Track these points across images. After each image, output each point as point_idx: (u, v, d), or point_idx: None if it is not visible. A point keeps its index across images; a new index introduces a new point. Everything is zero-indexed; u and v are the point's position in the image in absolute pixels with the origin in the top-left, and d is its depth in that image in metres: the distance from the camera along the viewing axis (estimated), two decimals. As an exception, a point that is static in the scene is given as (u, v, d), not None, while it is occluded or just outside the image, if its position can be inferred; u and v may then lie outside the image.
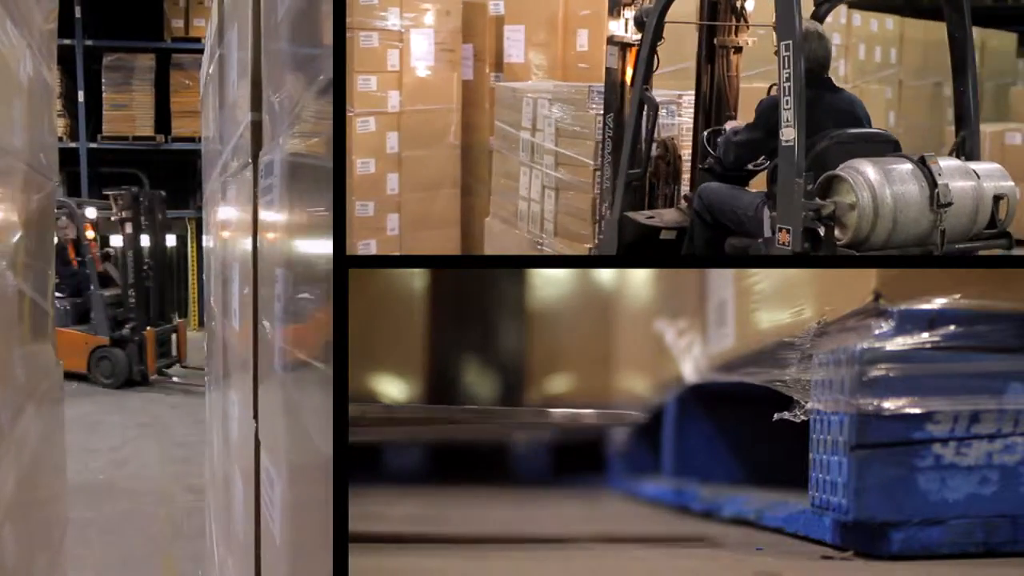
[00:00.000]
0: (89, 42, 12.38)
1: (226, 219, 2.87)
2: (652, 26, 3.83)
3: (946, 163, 3.08)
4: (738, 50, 4.18)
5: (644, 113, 3.97)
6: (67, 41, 11.79)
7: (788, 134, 2.99)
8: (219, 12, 2.97)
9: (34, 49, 2.35)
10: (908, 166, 3.02)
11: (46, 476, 2.60)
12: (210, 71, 3.70)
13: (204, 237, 5.05)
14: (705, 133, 4.09)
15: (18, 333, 2.09)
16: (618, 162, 4.07)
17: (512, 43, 6.02)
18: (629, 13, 4.08)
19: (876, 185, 2.94)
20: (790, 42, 2.98)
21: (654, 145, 4.14)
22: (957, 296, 1.90)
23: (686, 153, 4.37)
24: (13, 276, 2.01)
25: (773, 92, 3.96)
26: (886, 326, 1.89)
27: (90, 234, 10.34)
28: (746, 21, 4.15)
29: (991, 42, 9.67)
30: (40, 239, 2.55)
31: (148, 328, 9.98)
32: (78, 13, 12.13)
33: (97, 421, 8.58)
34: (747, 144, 3.66)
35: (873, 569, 1.86)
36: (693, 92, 4.34)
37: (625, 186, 3.98)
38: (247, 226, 2.07)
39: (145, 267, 10.20)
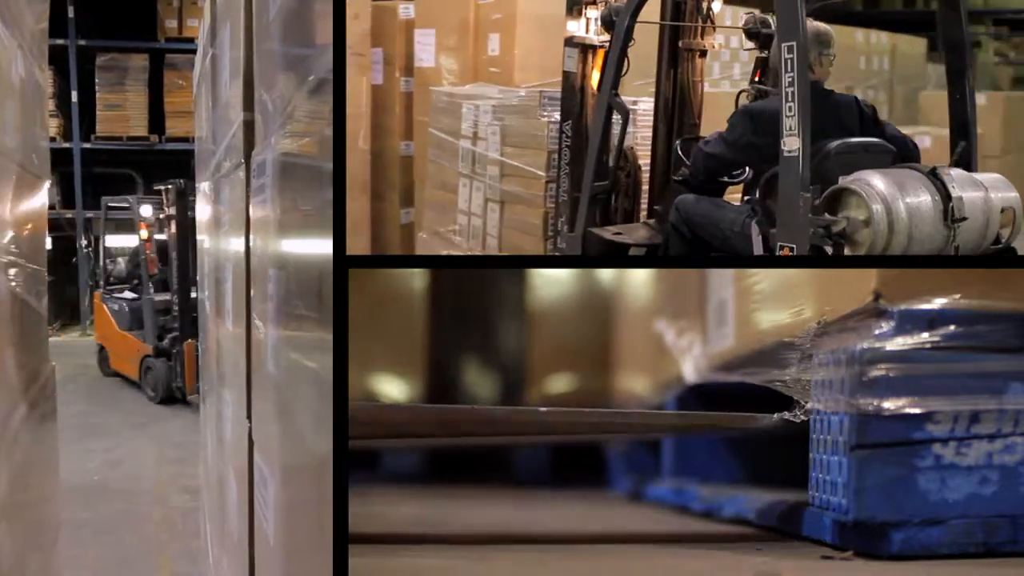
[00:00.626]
0: (82, 42, 12.33)
1: (219, 219, 2.85)
2: (623, 26, 3.60)
3: (954, 174, 2.90)
4: (703, 53, 3.96)
5: (611, 121, 3.69)
6: (60, 41, 11.75)
7: (792, 144, 2.75)
8: (212, 12, 2.95)
9: (25, 50, 2.34)
10: (919, 178, 2.83)
11: (38, 477, 2.58)
12: (203, 71, 3.69)
13: (198, 237, 5.01)
14: (678, 142, 3.85)
15: (10, 334, 2.08)
16: (577, 174, 3.78)
17: (423, 47, 5.88)
18: (592, 12, 3.81)
19: (889, 198, 2.73)
20: (793, 44, 2.75)
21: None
22: (957, 296, 1.89)
23: (645, 163, 4.09)
24: (5, 277, 1.99)
25: (743, 100, 3.81)
26: (886, 326, 1.88)
27: (144, 234, 9.71)
28: (712, 23, 3.95)
29: (902, 47, 9.91)
30: (32, 240, 2.54)
31: (189, 340, 8.42)
32: (71, 13, 12.08)
33: (95, 423, 8.45)
34: (718, 157, 3.43)
35: (873, 569, 1.85)
36: (647, 98, 4.08)
37: (590, 199, 3.70)
38: (240, 226, 2.06)
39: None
